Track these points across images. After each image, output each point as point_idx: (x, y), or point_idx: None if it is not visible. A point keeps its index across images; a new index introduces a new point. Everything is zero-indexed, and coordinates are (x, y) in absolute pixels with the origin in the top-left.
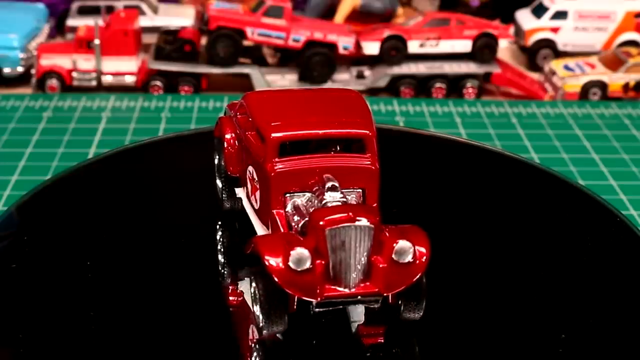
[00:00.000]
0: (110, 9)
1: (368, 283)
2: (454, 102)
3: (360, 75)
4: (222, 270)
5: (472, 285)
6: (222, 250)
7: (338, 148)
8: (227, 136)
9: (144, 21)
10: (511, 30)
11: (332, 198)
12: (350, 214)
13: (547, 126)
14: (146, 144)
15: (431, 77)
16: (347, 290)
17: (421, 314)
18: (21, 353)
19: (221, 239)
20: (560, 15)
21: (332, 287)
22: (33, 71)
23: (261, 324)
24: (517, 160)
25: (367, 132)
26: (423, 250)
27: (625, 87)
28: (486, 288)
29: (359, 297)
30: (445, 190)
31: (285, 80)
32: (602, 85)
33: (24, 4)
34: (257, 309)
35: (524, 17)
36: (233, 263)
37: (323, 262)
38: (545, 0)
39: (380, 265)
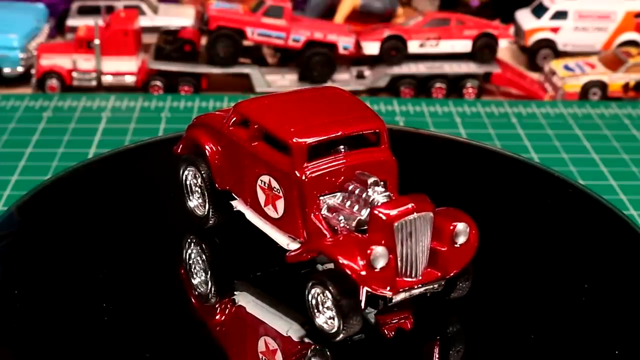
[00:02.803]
0: (110, 9)
1: (429, 269)
2: (454, 102)
3: (360, 75)
4: (207, 288)
5: (474, 285)
6: (204, 267)
7: (348, 145)
8: (209, 148)
9: (144, 21)
10: (511, 30)
11: (378, 193)
12: (413, 205)
13: (547, 126)
14: (146, 144)
15: (431, 77)
16: (415, 279)
17: (466, 291)
18: (21, 353)
19: (202, 256)
20: (560, 15)
21: (402, 279)
22: (33, 71)
23: (335, 330)
24: (517, 160)
25: (381, 125)
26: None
27: (625, 87)
28: (486, 287)
29: (426, 284)
30: (445, 190)
31: (285, 80)
32: (602, 85)
33: (24, 4)
34: (322, 317)
35: (524, 17)
36: (222, 279)
37: (392, 255)
38: (545, 0)
39: (440, 249)
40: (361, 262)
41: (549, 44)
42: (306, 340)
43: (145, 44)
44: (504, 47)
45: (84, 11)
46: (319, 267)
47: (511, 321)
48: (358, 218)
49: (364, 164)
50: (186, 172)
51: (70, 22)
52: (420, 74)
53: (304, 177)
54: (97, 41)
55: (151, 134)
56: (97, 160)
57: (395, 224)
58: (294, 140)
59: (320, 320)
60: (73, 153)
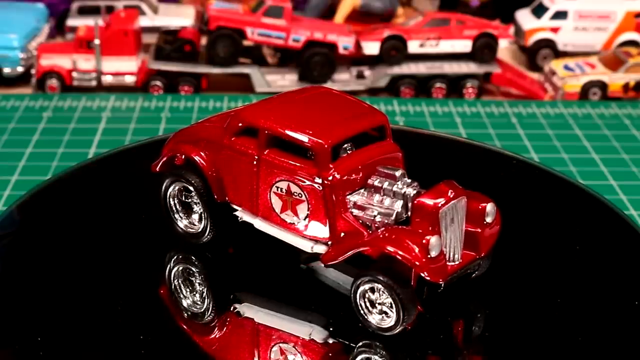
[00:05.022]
0: (110, 9)
1: (464, 251)
2: (454, 102)
3: (360, 75)
4: (203, 307)
5: (474, 285)
6: (198, 284)
7: (353, 142)
8: (204, 162)
9: (144, 21)
10: (511, 30)
11: (407, 185)
12: (451, 191)
13: (547, 126)
14: (146, 144)
15: (431, 77)
16: (456, 264)
17: (485, 269)
18: (21, 352)
19: (194, 272)
20: (560, 15)
21: (448, 264)
22: (33, 71)
23: (392, 323)
24: (517, 160)
25: (385, 118)
26: None
27: (625, 87)
28: (488, 287)
29: (465, 266)
30: None
31: (285, 80)
32: (602, 85)
33: (24, 4)
34: (375, 314)
35: (524, 17)
36: (220, 294)
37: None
38: (545, 0)
39: (474, 231)
40: (418, 252)
41: (549, 44)
42: (330, 341)
43: (145, 44)
44: (504, 47)
45: (84, 11)
46: (303, 267)
47: (511, 317)
48: (396, 211)
49: (379, 158)
50: (170, 190)
51: (70, 22)
52: (420, 74)
53: (332, 179)
54: (97, 41)
55: (151, 134)
56: (97, 160)
57: (440, 211)
58: (317, 142)
59: (374, 318)
60: (73, 153)
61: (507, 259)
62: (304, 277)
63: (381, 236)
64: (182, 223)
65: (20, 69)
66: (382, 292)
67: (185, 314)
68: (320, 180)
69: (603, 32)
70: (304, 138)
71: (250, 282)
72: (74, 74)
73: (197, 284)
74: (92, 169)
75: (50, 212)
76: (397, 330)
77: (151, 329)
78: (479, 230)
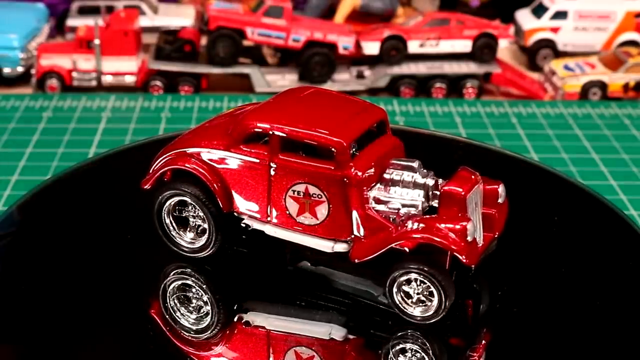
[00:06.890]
0: (110, 9)
1: (484, 233)
2: (454, 102)
3: (360, 75)
4: (207, 321)
5: (474, 285)
6: (198, 300)
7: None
8: (205, 172)
9: (144, 21)
10: (511, 30)
11: (425, 175)
12: (473, 177)
13: (547, 126)
14: (146, 143)
15: (431, 77)
16: (481, 246)
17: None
18: (21, 352)
19: (200, 287)
20: (560, 15)
21: (476, 246)
22: (33, 71)
23: (433, 312)
24: (517, 160)
25: (385, 113)
26: None
27: (625, 87)
28: (488, 288)
29: (487, 247)
30: None
31: (285, 80)
32: (602, 85)
33: (24, 4)
34: (413, 306)
35: (524, 17)
36: (223, 306)
37: None
38: (545, 0)
39: (490, 212)
40: (457, 238)
41: (549, 44)
42: (350, 337)
43: (145, 44)
44: (504, 47)
45: (84, 11)
46: (290, 268)
47: (508, 325)
48: (421, 201)
49: (387, 151)
50: (165, 206)
51: (70, 22)
52: (420, 74)
53: (354, 176)
54: (97, 41)
55: (151, 134)
56: (97, 160)
57: (467, 196)
58: (337, 141)
59: (415, 309)
60: (73, 153)
61: (507, 258)
62: (302, 278)
63: (415, 227)
64: (182, 240)
65: (20, 69)
66: (420, 282)
67: (188, 332)
68: (343, 179)
69: (603, 32)
70: (320, 138)
71: (250, 289)
72: (74, 74)
73: (197, 298)
74: (92, 169)
75: (50, 212)
76: (439, 317)
77: (151, 338)
78: (494, 211)
